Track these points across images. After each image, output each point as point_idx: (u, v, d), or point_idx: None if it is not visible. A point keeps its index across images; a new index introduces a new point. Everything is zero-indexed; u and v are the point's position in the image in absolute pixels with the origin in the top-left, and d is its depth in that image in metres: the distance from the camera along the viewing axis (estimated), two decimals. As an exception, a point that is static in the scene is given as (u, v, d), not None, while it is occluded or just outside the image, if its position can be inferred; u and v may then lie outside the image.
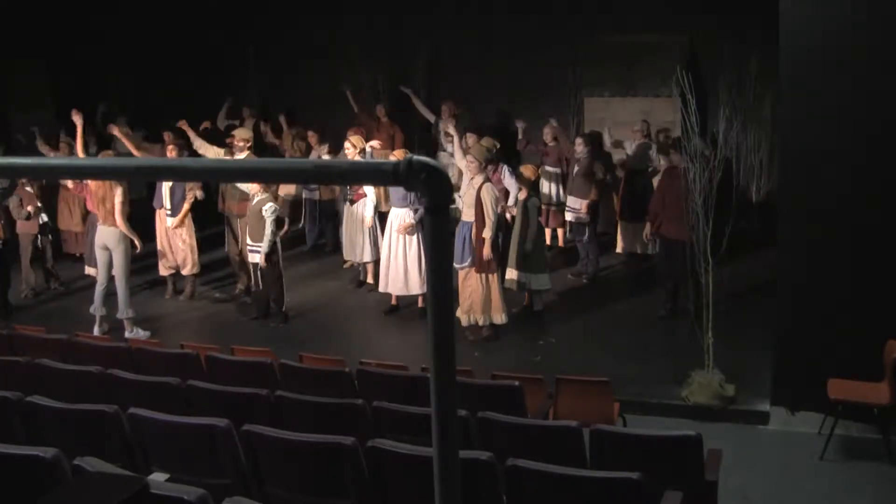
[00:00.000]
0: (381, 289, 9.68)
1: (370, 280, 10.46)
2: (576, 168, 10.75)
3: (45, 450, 3.85)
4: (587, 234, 10.63)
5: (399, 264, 9.35)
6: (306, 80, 13.79)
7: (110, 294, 9.50)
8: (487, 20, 12.91)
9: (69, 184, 10.26)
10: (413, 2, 13.16)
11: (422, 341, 8.01)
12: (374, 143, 10.79)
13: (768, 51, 7.94)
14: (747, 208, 11.36)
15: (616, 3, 12.16)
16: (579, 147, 10.69)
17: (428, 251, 1.60)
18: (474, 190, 8.59)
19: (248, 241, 9.49)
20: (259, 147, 13.01)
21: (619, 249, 11.32)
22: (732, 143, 9.71)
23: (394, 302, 9.80)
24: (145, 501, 2.72)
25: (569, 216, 10.97)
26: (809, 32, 6.78)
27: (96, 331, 9.24)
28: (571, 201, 10.78)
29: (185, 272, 10.49)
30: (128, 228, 9.28)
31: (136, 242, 9.46)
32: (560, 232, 11.81)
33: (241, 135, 10.15)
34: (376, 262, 10.06)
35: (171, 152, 10.08)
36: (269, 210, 9.23)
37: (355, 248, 10.36)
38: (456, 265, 8.61)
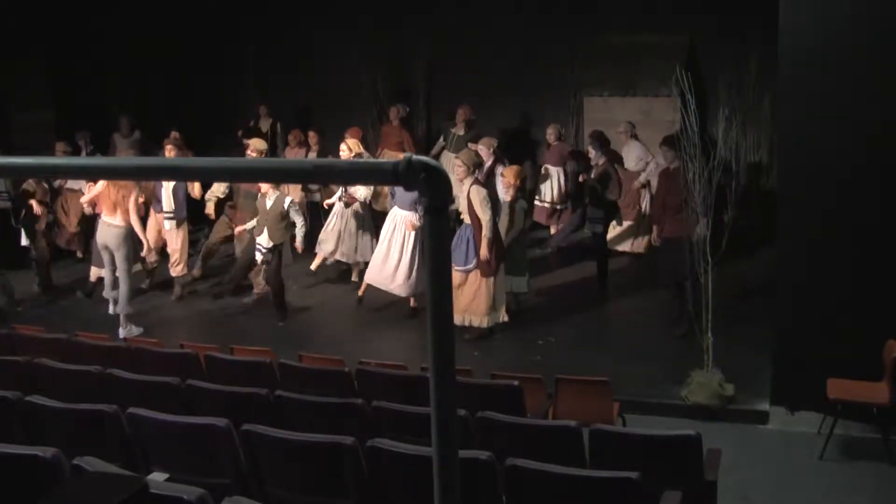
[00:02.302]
0: (366, 279, 9.56)
1: (355, 278, 10.34)
2: (593, 175, 9.96)
3: (45, 449, 3.86)
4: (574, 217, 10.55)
5: (393, 261, 9.32)
6: (306, 80, 13.76)
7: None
8: (487, 20, 12.89)
9: (84, 198, 10.04)
10: (413, 2, 13.15)
11: (421, 341, 8.00)
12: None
13: (768, 51, 7.93)
14: (747, 208, 11.35)
15: (616, 3, 12.15)
16: (593, 153, 10.06)
17: (428, 252, 1.60)
18: (464, 195, 8.62)
19: (261, 242, 9.42)
20: (272, 148, 12.95)
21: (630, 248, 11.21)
22: (732, 143, 9.69)
23: (361, 293, 9.69)
24: (145, 501, 2.72)
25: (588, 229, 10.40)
26: (809, 32, 6.78)
27: (122, 332, 9.17)
28: (592, 212, 10.10)
29: (174, 273, 10.44)
30: (139, 228, 9.42)
31: (144, 242, 9.59)
32: (554, 229, 11.68)
33: (257, 146, 9.94)
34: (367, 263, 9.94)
35: (170, 152, 10.00)
36: (291, 204, 9.29)
37: (347, 246, 10.15)
38: (458, 268, 8.57)
